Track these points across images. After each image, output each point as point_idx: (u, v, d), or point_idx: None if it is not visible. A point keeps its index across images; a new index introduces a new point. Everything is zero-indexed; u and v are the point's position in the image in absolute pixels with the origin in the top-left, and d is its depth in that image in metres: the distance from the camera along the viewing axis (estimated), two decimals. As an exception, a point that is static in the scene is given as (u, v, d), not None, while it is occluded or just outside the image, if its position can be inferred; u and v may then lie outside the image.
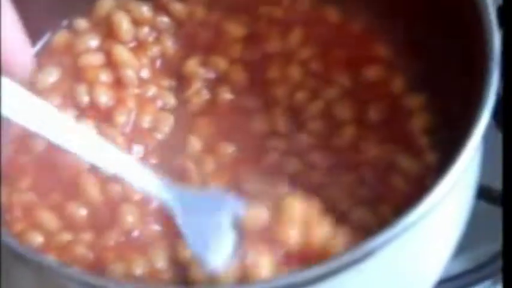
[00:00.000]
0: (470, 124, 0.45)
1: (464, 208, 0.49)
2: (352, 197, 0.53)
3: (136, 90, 0.57)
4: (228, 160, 0.55)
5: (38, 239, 0.51)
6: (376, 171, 0.54)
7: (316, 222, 0.47)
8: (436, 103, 0.55)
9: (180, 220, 0.47)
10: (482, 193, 0.56)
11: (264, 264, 0.46)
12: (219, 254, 0.46)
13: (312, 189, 0.51)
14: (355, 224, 0.51)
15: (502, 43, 0.48)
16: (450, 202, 0.46)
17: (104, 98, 0.56)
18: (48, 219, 0.52)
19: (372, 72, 0.57)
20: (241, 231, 0.46)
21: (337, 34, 0.59)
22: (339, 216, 0.50)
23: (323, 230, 0.47)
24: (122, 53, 0.57)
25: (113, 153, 0.47)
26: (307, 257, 0.46)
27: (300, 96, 0.57)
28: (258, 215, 0.47)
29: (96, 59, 0.57)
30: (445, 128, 0.54)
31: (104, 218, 0.52)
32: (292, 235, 0.46)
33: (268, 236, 0.47)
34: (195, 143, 0.55)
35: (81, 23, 0.59)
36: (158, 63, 0.58)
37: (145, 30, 0.58)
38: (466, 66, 0.51)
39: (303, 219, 0.47)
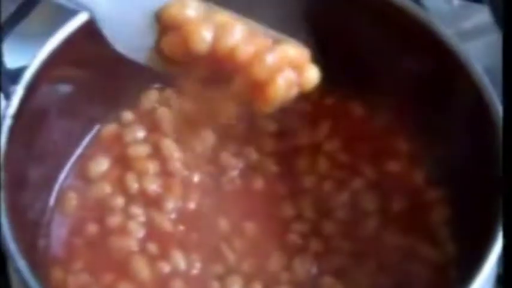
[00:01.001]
0: (493, 229, 0.49)
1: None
2: (374, 284, 0.56)
3: (182, 177, 0.61)
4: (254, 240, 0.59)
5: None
6: (398, 259, 0.57)
7: None
8: (456, 196, 0.59)
9: (102, 24, 0.51)
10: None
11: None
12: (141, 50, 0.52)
13: (334, 272, 0.56)
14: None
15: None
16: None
17: (153, 185, 0.60)
18: None
19: (394, 166, 0.61)
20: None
21: (361, 128, 0.63)
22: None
23: None
24: (170, 146, 0.61)
25: None
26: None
27: (327, 186, 0.61)
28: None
29: (144, 150, 0.61)
30: (464, 220, 0.57)
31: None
32: None
33: None
34: (226, 224, 0.59)
35: (128, 116, 0.63)
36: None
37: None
38: (483, 162, 0.55)
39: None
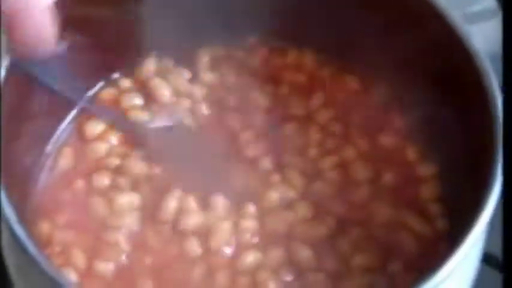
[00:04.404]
0: (482, 197, 0.49)
1: (472, 275, 0.53)
2: (361, 251, 0.56)
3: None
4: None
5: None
6: (385, 230, 0.57)
7: None
8: (448, 172, 0.59)
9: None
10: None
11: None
12: None
13: (321, 240, 0.56)
14: (364, 279, 0.55)
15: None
16: (462, 270, 0.49)
17: None
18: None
19: (388, 139, 0.61)
20: None
21: (356, 100, 0.63)
22: (346, 269, 0.55)
23: None
24: None
25: None
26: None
27: (316, 152, 0.61)
28: None
29: (143, 116, 0.62)
30: (455, 197, 0.57)
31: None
32: None
33: None
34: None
35: (125, 83, 0.64)
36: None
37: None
38: (476, 140, 0.55)
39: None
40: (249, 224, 0.57)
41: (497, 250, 0.58)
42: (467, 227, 0.49)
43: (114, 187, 0.58)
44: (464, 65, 0.56)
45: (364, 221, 0.58)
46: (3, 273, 0.54)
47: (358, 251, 0.56)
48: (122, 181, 0.58)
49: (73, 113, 0.62)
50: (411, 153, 0.61)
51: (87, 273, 0.56)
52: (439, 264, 0.47)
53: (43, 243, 0.56)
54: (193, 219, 0.57)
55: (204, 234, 0.57)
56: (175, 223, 0.57)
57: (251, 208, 0.58)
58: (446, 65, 0.58)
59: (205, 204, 0.58)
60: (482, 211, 0.50)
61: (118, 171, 0.59)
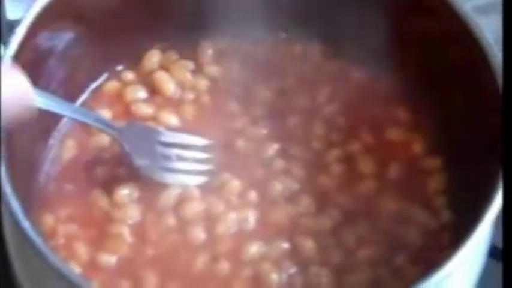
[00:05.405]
0: (489, 194, 0.49)
1: (478, 268, 0.53)
2: (366, 244, 0.56)
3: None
4: None
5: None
6: (391, 223, 0.57)
7: None
8: (453, 166, 0.59)
9: (126, 146, 0.57)
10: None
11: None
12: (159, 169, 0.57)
13: (325, 233, 0.56)
14: (368, 272, 0.55)
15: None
16: (469, 264, 0.50)
17: None
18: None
19: (394, 133, 0.61)
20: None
21: (362, 94, 0.63)
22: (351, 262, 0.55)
23: None
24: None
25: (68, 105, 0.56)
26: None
27: (321, 145, 0.60)
28: None
29: (147, 110, 0.62)
30: (460, 190, 0.57)
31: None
32: None
33: None
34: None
35: (129, 75, 0.63)
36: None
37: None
38: (483, 134, 0.55)
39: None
40: (252, 214, 0.57)
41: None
42: (474, 222, 0.49)
43: (116, 179, 0.58)
44: (474, 58, 0.55)
45: (369, 214, 0.58)
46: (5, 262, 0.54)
47: (363, 244, 0.56)
48: (123, 172, 0.58)
49: (77, 103, 0.62)
50: (417, 147, 0.61)
51: (91, 265, 0.55)
52: (445, 258, 0.47)
53: (47, 236, 0.56)
54: (195, 206, 0.57)
55: (208, 222, 0.57)
56: (176, 212, 0.57)
57: (254, 198, 0.58)
58: (454, 58, 0.58)
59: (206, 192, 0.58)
60: (490, 206, 0.49)
61: (119, 162, 0.59)
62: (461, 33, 0.55)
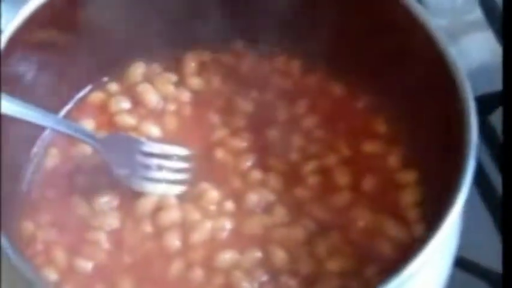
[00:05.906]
0: (450, 201, 0.51)
1: (442, 276, 0.53)
2: (337, 255, 0.57)
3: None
4: None
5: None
6: (363, 235, 0.58)
7: None
8: (426, 180, 0.60)
9: (106, 156, 0.58)
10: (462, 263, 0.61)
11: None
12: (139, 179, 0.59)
13: (298, 243, 0.57)
14: (338, 283, 0.56)
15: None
16: (429, 269, 0.50)
17: None
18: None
19: (370, 146, 0.62)
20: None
21: (340, 107, 0.64)
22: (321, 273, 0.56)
23: None
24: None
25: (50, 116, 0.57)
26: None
27: (298, 156, 0.61)
28: None
29: (130, 121, 0.63)
30: (433, 202, 0.58)
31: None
32: None
33: None
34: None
35: (113, 86, 0.65)
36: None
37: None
38: (451, 148, 0.55)
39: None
40: (227, 223, 0.58)
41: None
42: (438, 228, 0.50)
43: (96, 187, 0.59)
44: (444, 74, 0.56)
45: (343, 226, 0.58)
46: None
47: (334, 255, 0.57)
48: (103, 181, 0.59)
49: (61, 113, 0.64)
50: (392, 160, 0.61)
51: (68, 271, 0.57)
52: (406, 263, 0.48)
53: (26, 242, 0.58)
54: (172, 215, 0.58)
55: (183, 230, 0.58)
56: (153, 220, 0.58)
57: (231, 208, 0.59)
58: (428, 73, 0.58)
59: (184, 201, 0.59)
60: (451, 209, 0.50)
61: (100, 171, 0.60)
62: (425, 46, 0.57)
